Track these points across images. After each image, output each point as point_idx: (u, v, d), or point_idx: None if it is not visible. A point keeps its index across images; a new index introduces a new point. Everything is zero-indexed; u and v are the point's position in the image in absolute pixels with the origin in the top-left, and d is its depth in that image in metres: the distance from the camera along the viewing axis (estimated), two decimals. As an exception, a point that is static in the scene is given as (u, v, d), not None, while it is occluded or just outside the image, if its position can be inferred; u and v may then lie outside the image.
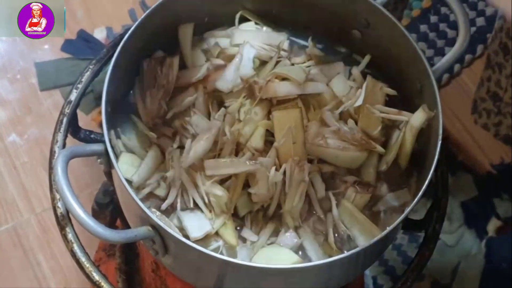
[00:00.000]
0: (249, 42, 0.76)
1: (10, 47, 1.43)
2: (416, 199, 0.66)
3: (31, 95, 1.38)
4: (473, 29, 1.44)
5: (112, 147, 0.67)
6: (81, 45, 1.43)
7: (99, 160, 0.68)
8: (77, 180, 1.23)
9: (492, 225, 1.26)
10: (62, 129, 0.75)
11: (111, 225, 0.89)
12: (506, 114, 1.28)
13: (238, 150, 0.71)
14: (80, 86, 0.77)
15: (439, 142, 0.68)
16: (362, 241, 0.69)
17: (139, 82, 0.75)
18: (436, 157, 0.67)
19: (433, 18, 1.47)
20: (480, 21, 1.46)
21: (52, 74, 1.40)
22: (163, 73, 0.74)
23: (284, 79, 0.72)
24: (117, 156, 0.70)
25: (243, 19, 0.81)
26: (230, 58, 0.75)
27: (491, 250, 1.24)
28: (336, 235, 0.70)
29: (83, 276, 0.70)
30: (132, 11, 1.46)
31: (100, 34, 1.45)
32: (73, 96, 0.76)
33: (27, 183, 1.28)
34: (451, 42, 1.43)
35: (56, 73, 1.40)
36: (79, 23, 1.46)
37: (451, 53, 0.74)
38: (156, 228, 0.62)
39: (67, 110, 0.76)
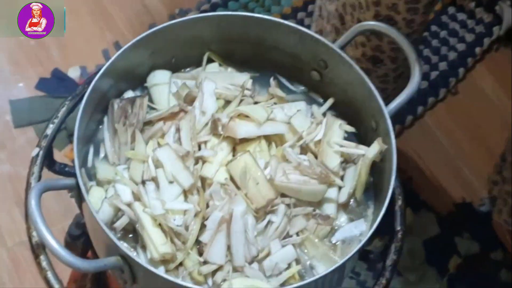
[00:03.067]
0: (208, 77, 0.79)
1: (-15, 84, 1.45)
2: (372, 230, 0.69)
3: (5, 131, 1.40)
4: (436, 73, 1.51)
5: (83, 182, 0.70)
6: (56, 84, 1.46)
7: (70, 194, 0.71)
8: (49, 216, 1.24)
9: (453, 262, 1.29)
10: (38, 162, 0.77)
11: (83, 256, 0.91)
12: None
13: (204, 185, 0.74)
14: (56, 121, 0.79)
15: (393, 176, 0.71)
16: (323, 270, 0.71)
17: (108, 121, 0.78)
18: (390, 189, 0.70)
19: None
20: (443, 65, 1.52)
21: (26, 111, 1.42)
22: (133, 112, 0.77)
23: (247, 116, 0.76)
24: (87, 190, 0.73)
25: (209, 60, 0.85)
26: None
27: (452, 287, 1.26)
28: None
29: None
30: (105, 52, 1.50)
31: (74, 73, 1.48)
32: (49, 131, 0.79)
33: (-1, 218, 1.29)
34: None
35: (30, 110, 1.42)
36: (54, 62, 1.49)
37: (404, 93, 0.78)
38: (124, 257, 0.66)
39: (43, 144, 0.78)
